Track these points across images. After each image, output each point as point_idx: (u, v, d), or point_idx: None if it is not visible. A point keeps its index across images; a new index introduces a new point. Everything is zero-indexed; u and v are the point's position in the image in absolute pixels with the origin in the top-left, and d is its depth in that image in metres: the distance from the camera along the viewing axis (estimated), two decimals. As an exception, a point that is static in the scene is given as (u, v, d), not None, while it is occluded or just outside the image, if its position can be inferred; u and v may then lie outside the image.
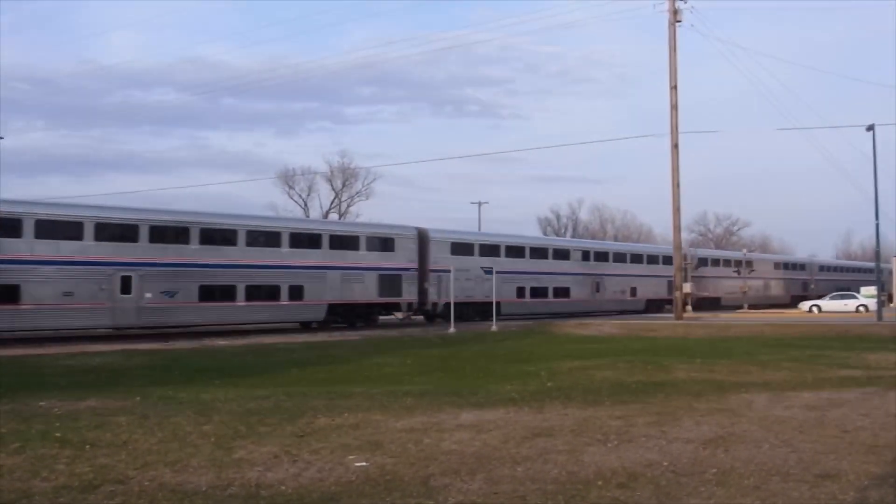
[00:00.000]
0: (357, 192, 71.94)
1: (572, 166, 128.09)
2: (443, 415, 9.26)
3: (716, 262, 56.96)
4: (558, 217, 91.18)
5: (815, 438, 7.71)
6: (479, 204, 71.27)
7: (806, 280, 68.59)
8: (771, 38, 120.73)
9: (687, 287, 42.58)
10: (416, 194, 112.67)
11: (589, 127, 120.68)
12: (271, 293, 29.15)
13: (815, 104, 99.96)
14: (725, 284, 56.15)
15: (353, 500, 5.62)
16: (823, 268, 73.71)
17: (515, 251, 39.57)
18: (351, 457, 6.97)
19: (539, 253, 41.18)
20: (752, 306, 53.89)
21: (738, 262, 59.16)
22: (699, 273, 52.53)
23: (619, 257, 46.94)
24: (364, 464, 6.69)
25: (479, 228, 62.78)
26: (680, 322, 31.06)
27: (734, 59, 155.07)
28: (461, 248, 36.43)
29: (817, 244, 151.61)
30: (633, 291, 46.42)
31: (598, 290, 43.81)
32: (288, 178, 69.58)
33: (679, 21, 32.48)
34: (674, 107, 32.41)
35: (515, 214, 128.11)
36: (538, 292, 39.72)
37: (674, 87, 32.51)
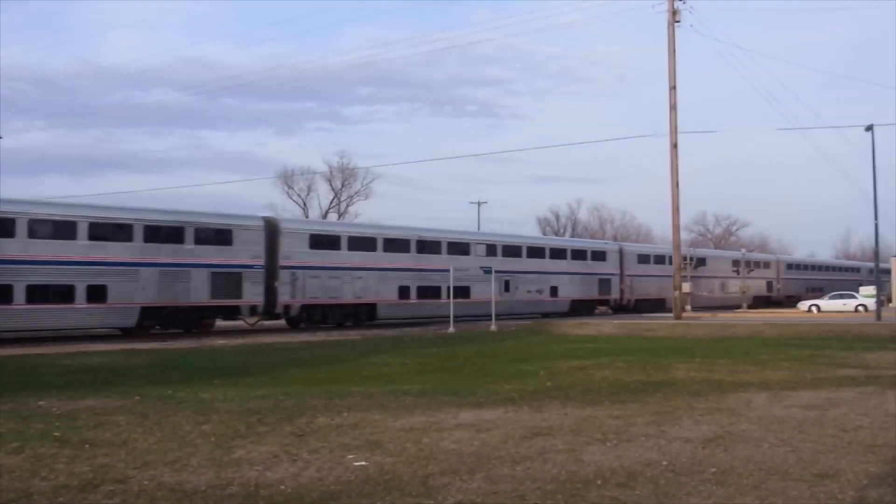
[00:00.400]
0: (356, 192, 72.05)
1: (571, 166, 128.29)
2: (442, 414, 9.26)
3: (660, 259, 49.27)
4: (557, 217, 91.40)
5: (814, 438, 7.71)
6: (479, 204, 71.45)
7: (771, 280, 63.18)
8: (770, 39, 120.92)
9: (686, 287, 42.17)
10: (416, 194, 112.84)
11: (588, 127, 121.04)
12: (62, 294, 24.38)
13: (815, 104, 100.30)
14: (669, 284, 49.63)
15: (353, 500, 5.62)
16: (792, 266, 67.69)
17: (398, 245, 34.32)
18: (350, 456, 6.97)
19: (428, 247, 35.47)
20: (701, 308, 47.69)
21: (689, 261, 52.34)
22: (638, 272, 47.28)
23: (536, 252, 41.04)
24: (363, 463, 6.69)
25: (479, 228, 62.64)
26: (679, 322, 31.08)
27: (733, 60, 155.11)
28: (324, 242, 31.50)
29: (816, 244, 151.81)
30: (554, 291, 41.12)
31: (507, 290, 38.08)
32: (287, 178, 69.67)
33: (678, 21, 32.51)
34: (673, 107, 32.44)
35: (515, 214, 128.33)
36: (427, 292, 34.36)
37: (673, 88, 32.52)
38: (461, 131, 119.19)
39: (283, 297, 29.48)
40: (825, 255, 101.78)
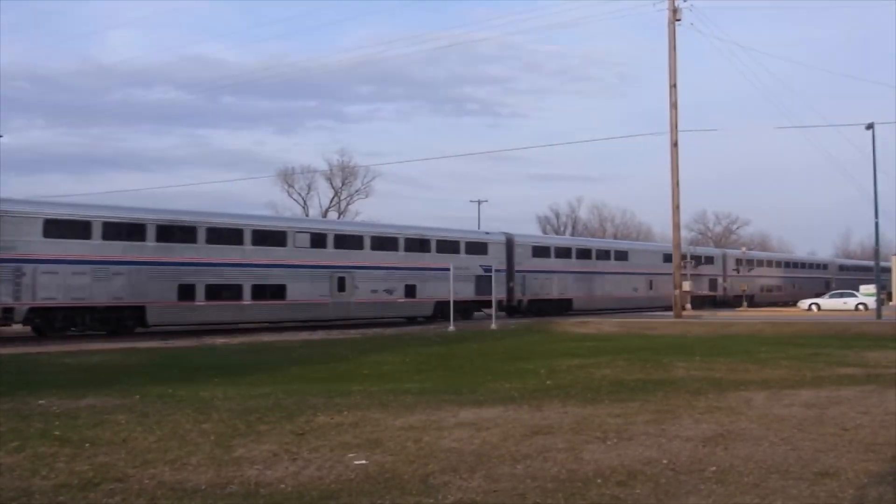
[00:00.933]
0: (356, 191, 72.06)
1: (572, 164, 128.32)
2: (442, 413, 9.26)
3: (563, 252, 42.50)
4: (558, 216, 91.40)
5: (815, 436, 7.71)
6: (479, 202, 71.33)
7: (715, 278, 54.67)
8: (770, 37, 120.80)
9: (686, 285, 41.86)
10: (416, 193, 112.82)
11: (588, 125, 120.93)
12: None
13: (815, 102, 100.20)
14: (575, 282, 42.60)
15: (353, 498, 5.62)
16: (743, 262, 58.78)
17: (177, 233, 27.16)
18: (350, 455, 6.97)
19: (223, 236, 28.25)
20: (613, 310, 42.30)
21: (605, 253, 45.45)
22: (534, 267, 40.17)
23: (383, 243, 33.22)
24: (363, 462, 6.69)
25: (479, 227, 62.43)
26: (679, 320, 31.13)
27: (734, 58, 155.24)
28: (66, 229, 24.63)
29: (817, 243, 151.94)
30: (411, 291, 33.43)
31: (341, 289, 31.17)
32: (287, 177, 69.66)
33: (679, 20, 32.46)
34: (673, 105, 32.41)
35: (515, 213, 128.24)
36: (223, 292, 27.78)
37: (673, 86, 32.50)
38: (462, 130, 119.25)
39: (3, 298, 23.20)
40: (825, 253, 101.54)
